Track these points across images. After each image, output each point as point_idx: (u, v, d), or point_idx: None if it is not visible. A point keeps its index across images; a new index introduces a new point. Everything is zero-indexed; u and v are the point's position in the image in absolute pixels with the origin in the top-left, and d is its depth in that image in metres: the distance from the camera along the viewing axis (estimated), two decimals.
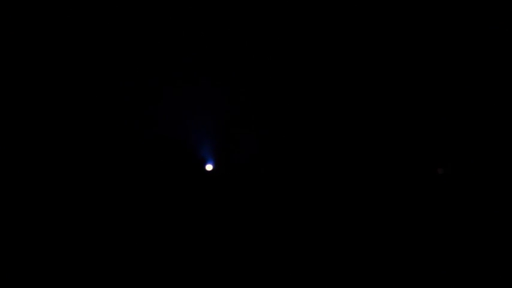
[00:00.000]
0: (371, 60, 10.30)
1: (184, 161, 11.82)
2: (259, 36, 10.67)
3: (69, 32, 9.45)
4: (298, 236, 6.84)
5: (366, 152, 10.66)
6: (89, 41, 9.71)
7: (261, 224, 7.96)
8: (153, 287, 4.50)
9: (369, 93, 10.54)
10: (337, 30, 10.28)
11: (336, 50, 10.55)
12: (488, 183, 8.19)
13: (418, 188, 9.18)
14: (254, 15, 10.32)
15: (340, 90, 10.89)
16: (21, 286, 4.37)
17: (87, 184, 9.40)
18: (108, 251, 5.69)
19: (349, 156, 10.91)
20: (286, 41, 10.72)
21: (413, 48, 9.71)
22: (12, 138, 8.99)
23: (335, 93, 10.96)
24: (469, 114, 8.91)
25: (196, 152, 12.16)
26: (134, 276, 4.69)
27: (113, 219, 8.20)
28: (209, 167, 12.40)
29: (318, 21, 10.28)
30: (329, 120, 11.23)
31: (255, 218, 8.72)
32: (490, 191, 7.95)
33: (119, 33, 9.83)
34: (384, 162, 10.29)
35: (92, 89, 10.02)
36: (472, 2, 8.41)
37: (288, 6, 10.22)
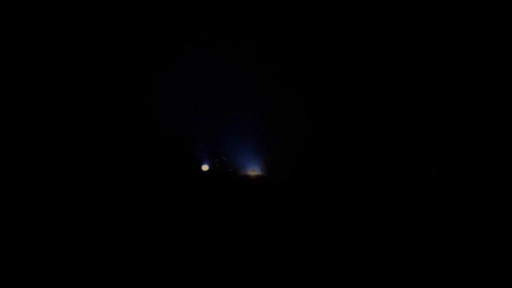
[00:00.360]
0: (371, 61, 10.31)
1: (181, 161, 11.85)
2: (257, 38, 10.68)
3: (69, 32, 9.46)
4: (293, 234, 6.84)
5: (365, 151, 10.67)
6: (89, 41, 9.72)
7: (257, 222, 7.97)
8: (152, 284, 4.50)
9: (368, 94, 10.55)
10: (339, 31, 10.29)
11: (336, 50, 10.56)
12: (487, 183, 8.20)
13: (419, 188, 9.19)
14: (255, 15, 10.32)
15: (338, 90, 10.91)
16: (21, 286, 4.38)
17: (85, 183, 9.42)
18: (106, 247, 5.69)
19: (345, 157, 10.92)
20: (284, 43, 10.74)
21: (417, 49, 9.72)
22: (12, 138, 9.01)
23: (334, 93, 10.97)
24: (469, 115, 8.91)
25: (193, 153, 12.20)
26: (132, 273, 4.70)
27: (111, 216, 8.22)
28: (205, 168, 12.54)
29: (319, 23, 10.29)
30: (327, 120, 11.24)
31: (250, 216, 8.74)
32: (490, 191, 7.96)
33: (117, 34, 9.84)
34: (385, 162, 10.30)
35: (90, 89, 10.03)
36: (472, 2, 8.42)
37: (286, 8, 10.23)
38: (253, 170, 13.71)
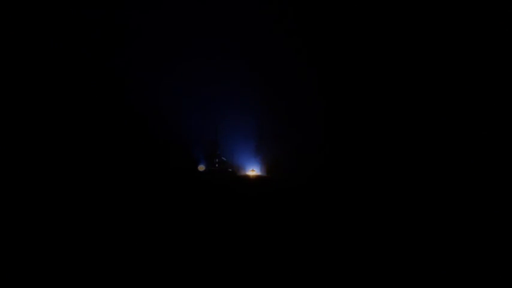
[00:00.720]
0: (370, 62, 10.30)
1: (179, 161, 11.86)
2: (257, 40, 10.66)
3: (69, 33, 9.44)
4: (291, 232, 6.84)
5: (362, 152, 10.66)
6: (89, 42, 9.69)
7: (250, 220, 7.98)
8: (151, 281, 4.50)
9: (367, 95, 10.54)
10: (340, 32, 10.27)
11: (335, 52, 10.55)
12: (488, 183, 8.19)
13: (420, 187, 9.18)
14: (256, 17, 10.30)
15: (337, 92, 10.90)
16: (21, 286, 4.36)
17: (84, 183, 9.40)
18: (105, 245, 5.67)
19: (343, 157, 10.91)
20: (283, 45, 10.72)
21: (416, 50, 9.70)
22: (12, 138, 8.98)
23: (332, 95, 10.97)
24: (469, 115, 8.90)
25: (190, 153, 12.22)
26: (131, 269, 4.68)
27: (110, 215, 8.20)
28: (201, 168, 12.68)
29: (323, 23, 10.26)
30: (326, 121, 11.24)
31: (244, 213, 8.75)
32: (490, 191, 7.96)
33: (118, 35, 9.81)
34: (381, 162, 10.29)
35: (90, 90, 10.00)
36: (472, 2, 8.41)
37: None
38: (253, 170, 13.72)
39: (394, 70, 9.79)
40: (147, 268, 4.94)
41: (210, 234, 6.89)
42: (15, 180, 8.65)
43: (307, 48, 10.64)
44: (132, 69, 10.22)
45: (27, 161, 9.13)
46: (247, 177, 13.04)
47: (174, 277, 4.71)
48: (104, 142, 10.30)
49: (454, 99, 9.03)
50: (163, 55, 10.40)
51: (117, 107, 10.35)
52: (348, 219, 8.07)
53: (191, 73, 10.77)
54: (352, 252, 5.75)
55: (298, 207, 9.75)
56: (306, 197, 10.60)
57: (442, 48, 9.11)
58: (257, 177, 12.98)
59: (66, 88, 9.81)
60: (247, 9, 10.18)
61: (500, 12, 8.13)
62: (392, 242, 6.32)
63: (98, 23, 9.58)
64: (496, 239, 6.27)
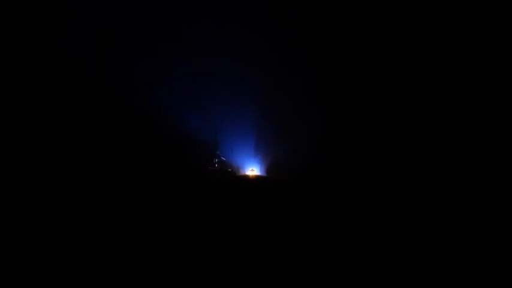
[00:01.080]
0: (369, 63, 10.34)
1: (178, 161, 11.90)
2: (258, 41, 10.67)
3: (70, 33, 9.44)
4: (290, 231, 6.87)
5: (361, 153, 10.70)
6: (89, 41, 9.70)
7: (250, 220, 8.01)
8: (153, 280, 4.50)
9: (365, 96, 10.59)
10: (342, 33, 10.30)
11: (333, 54, 10.58)
12: (488, 183, 8.23)
13: (421, 186, 9.22)
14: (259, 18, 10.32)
15: (334, 94, 10.92)
16: (21, 286, 4.36)
17: (83, 182, 9.43)
18: (101, 243, 5.69)
19: (341, 157, 10.96)
20: (283, 46, 10.72)
21: (416, 51, 9.74)
22: (11, 138, 8.99)
23: (330, 97, 10.99)
24: (469, 115, 8.94)
25: (190, 153, 12.30)
26: (127, 270, 4.69)
27: (108, 213, 8.22)
28: (200, 167, 12.87)
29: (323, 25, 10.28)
30: (324, 123, 11.27)
31: (243, 213, 8.78)
32: (490, 191, 7.99)
33: (120, 35, 9.82)
34: (385, 162, 10.33)
35: (89, 89, 10.02)
36: (472, 2, 8.45)
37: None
38: (252, 170, 13.82)
39: (394, 71, 9.85)
40: (144, 267, 4.95)
41: (208, 234, 6.91)
42: (9, 176, 8.69)
43: (308, 48, 10.69)
44: (132, 69, 10.25)
45: (22, 158, 9.16)
46: (246, 177, 13.11)
47: (172, 277, 4.71)
48: (103, 142, 10.34)
49: (455, 100, 9.08)
50: (163, 55, 10.44)
51: (117, 107, 10.39)
52: (348, 219, 8.11)
53: (192, 73, 10.82)
54: (351, 252, 5.78)
55: (298, 207, 9.79)
56: (305, 196, 10.65)
57: (445, 49, 9.16)
58: (256, 177, 13.04)
59: (66, 88, 9.86)
60: (248, 10, 10.21)
61: (500, 12, 8.15)
62: (392, 242, 6.34)
63: (98, 22, 9.60)
64: (496, 239, 6.30)
